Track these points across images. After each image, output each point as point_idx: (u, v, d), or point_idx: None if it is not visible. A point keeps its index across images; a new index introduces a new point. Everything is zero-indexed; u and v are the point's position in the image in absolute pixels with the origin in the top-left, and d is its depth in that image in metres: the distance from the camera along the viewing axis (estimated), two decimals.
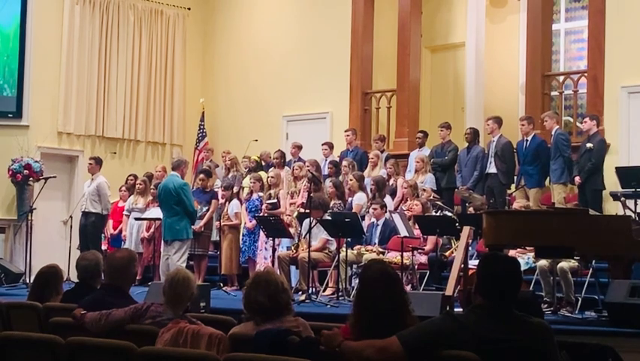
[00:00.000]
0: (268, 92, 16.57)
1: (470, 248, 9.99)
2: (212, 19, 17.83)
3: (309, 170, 12.59)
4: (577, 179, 11.65)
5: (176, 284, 5.21)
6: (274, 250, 11.50)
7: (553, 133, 11.96)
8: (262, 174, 13.58)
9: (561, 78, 13.92)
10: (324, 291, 11.10)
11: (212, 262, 13.06)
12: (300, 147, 14.55)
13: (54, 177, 14.01)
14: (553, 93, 13.85)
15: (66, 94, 15.59)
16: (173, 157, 16.95)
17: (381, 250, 11.06)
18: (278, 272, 10.81)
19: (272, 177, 13.00)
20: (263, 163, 14.53)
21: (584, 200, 11.42)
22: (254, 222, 12.50)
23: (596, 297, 9.19)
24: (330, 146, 14.30)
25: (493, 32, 15.71)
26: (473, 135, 12.89)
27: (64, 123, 15.60)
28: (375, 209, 11.50)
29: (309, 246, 10.72)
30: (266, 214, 12.28)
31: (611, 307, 8.12)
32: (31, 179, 14.54)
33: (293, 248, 11.55)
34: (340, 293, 10.49)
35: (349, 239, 11.05)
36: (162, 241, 11.92)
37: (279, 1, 17.00)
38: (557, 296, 9.16)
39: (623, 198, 10.31)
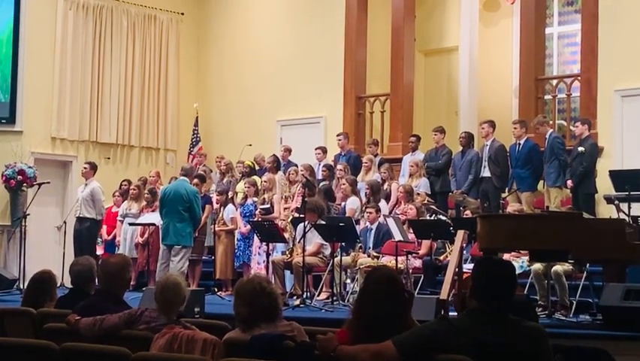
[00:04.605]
0: (262, 97, 16.57)
1: (465, 252, 10.00)
2: (205, 24, 17.83)
3: (303, 174, 12.60)
4: (569, 183, 11.68)
5: (167, 290, 5.21)
6: (268, 254, 11.50)
7: (548, 136, 11.98)
8: (256, 178, 13.59)
9: (554, 82, 13.94)
10: (318, 295, 11.09)
11: (206, 266, 13.04)
12: (289, 151, 14.58)
13: (48, 182, 13.97)
14: (546, 97, 13.88)
15: (60, 99, 15.57)
16: (167, 162, 17.01)
17: (375, 254, 11.06)
18: (272, 277, 10.87)
19: (265, 181, 13.01)
20: (257, 167, 14.53)
21: (577, 204, 11.46)
22: (248, 227, 12.50)
23: (591, 300, 9.21)
24: (324, 150, 14.30)
25: (486, 36, 15.73)
26: (468, 139, 12.90)
27: (57, 129, 15.58)
28: (370, 213, 11.51)
29: (304, 250, 10.71)
30: (259, 219, 12.28)
31: (605, 311, 8.13)
32: (24, 185, 14.51)
33: (287, 253, 11.54)
34: (335, 298, 10.48)
35: (343, 243, 11.07)
36: (161, 246, 11.87)
37: (273, 6, 17.01)
38: (552, 300, 9.16)
39: (617, 202, 10.32)
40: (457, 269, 8.67)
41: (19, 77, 15.21)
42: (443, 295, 8.26)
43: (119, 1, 16.55)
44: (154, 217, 12.91)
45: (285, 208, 12.79)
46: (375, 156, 13.83)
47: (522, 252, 9.72)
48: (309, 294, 10.89)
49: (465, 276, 8.60)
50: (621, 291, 7.96)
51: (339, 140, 14.32)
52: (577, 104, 13.57)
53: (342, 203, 12.37)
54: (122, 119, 16.51)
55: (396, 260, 10.31)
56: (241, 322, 4.73)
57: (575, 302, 9.32)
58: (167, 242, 11.62)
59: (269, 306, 4.72)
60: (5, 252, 14.65)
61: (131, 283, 10.83)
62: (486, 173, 12.42)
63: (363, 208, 11.96)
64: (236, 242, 12.90)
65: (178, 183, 11.94)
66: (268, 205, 12.67)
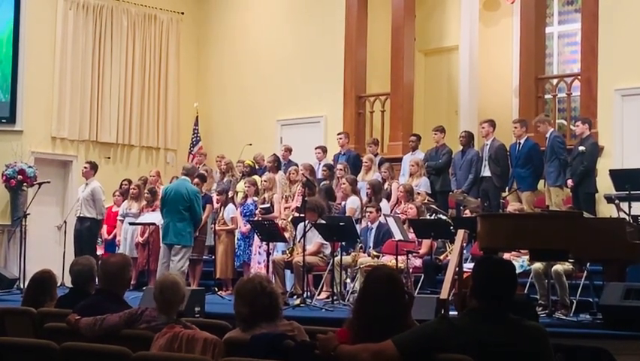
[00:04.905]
0: (262, 97, 16.57)
1: (465, 251, 10.00)
2: (205, 23, 17.83)
3: (303, 174, 12.60)
4: (569, 182, 11.68)
5: (165, 290, 5.21)
6: (268, 254, 11.50)
7: (548, 136, 11.98)
8: (257, 178, 13.59)
9: (555, 81, 13.94)
10: (318, 295, 11.09)
11: (206, 266, 13.05)
12: (290, 150, 14.59)
13: (48, 182, 13.97)
14: (546, 96, 13.87)
15: (60, 99, 15.57)
16: (168, 161, 17.01)
17: (375, 253, 11.06)
18: (273, 277, 10.87)
19: (265, 181, 13.01)
20: (257, 166, 14.53)
21: (577, 203, 11.46)
22: (248, 226, 12.50)
23: (591, 300, 9.21)
24: (324, 149, 14.31)
25: (486, 35, 15.73)
26: (468, 139, 12.90)
27: (58, 128, 15.58)
28: (370, 212, 11.51)
29: (304, 250, 10.71)
30: (260, 219, 12.28)
31: (605, 310, 8.13)
32: (25, 184, 14.51)
33: (288, 252, 11.54)
34: (335, 297, 10.48)
35: (344, 243, 11.07)
36: (161, 245, 11.88)
37: (273, 6, 17.01)
38: (552, 299, 9.16)
39: (617, 201, 10.32)
40: (457, 269, 8.66)
41: (20, 77, 15.21)
42: (443, 294, 8.25)
43: (119, 1, 16.55)
44: (154, 217, 12.92)
45: (286, 208, 12.79)
46: (376, 155, 13.83)
47: (522, 251, 9.73)
48: (309, 293, 10.89)
49: (465, 275, 8.60)
50: (621, 290, 7.95)
51: (340, 139, 14.33)
52: (577, 103, 13.57)
53: (342, 202, 12.37)
54: (123, 119, 16.52)
55: (397, 259, 10.31)
56: (242, 321, 4.73)
57: (575, 302, 9.33)
58: (167, 241, 11.64)
59: (269, 306, 4.72)
60: (5, 251, 14.66)
61: (132, 282, 10.85)
62: (486, 172, 12.42)
63: (364, 208, 11.95)
64: (236, 242, 12.90)
65: (179, 183, 11.96)
66: (268, 205, 12.67)
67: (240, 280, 4.99)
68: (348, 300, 10.47)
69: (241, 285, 4.85)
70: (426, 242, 11.02)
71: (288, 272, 11.56)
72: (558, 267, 9.24)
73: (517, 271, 9.16)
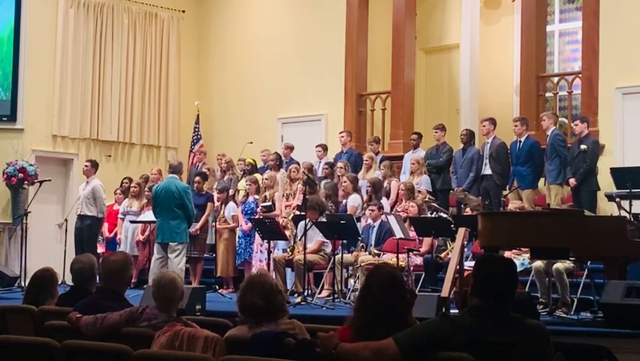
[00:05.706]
0: (263, 95, 16.57)
1: (466, 249, 10.00)
2: (206, 21, 17.83)
3: (304, 172, 12.61)
4: (571, 181, 11.68)
5: (163, 288, 5.22)
6: (269, 252, 11.50)
7: (549, 133, 12.00)
8: (257, 176, 13.60)
9: (555, 79, 13.92)
10: (319, 293, 11.09)
11: (207, 264, 13.05)
12: (291, 148, 14.59)
13: (49, 180, 13.96)
14: (547, 94, 13.86)
15: (61, 97, 15.57)
16: (169, 160, 16.99)
17: (376, 251, 11.07)
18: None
19: (266, 179, 13.01)
20: (260, 164, 14.54)
21: (579, 201, 11.46)
22: (250, 224, 12.51)
23: (592, 298, 9.20)
24: (324, 148, 14.31)
25: (487, 34, 15.72)
26: (469, 137, 12.91)
27: (58, 126, 15.58)
28: (372, 210, 11.51)
29: (305, 248, 10.72)
30: (261, 217, 12.29)
31: (606, 308, 8.13)
32: (25, 182, 14.52)
33: (289, 250, 11.55)
34: (336, 295, 10.49)
35: (344, 241, 11.07)
36: (155, 244, 11.87)
37: (274, 4, 17.01)
38: (553, 297, 9.17)
39: (618, 199, 10.32)
40: (458, 267, 8.67)
41: (20, 75, 15.21)
42: (444, 292, 8.27)
43: None
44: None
45: (287, 206, 12.79)
46: (377, 153, 13.82)
47: (523, 249, 9.73)
48: (310, 292, 10.88)
49: (466, 273, 8.61)
50: (622, 288, 7.96)
51: (342, 137, 14.33)
52: (578, 101, 13.56)
53: (344, 201, 12.36)
54: (123, 117, 16.52)
55: (397, 258, 10.31)
56: (252, 316, 4.71)
57: (576, 300, 9.32)
58: (162, 240, 11.56)
59: (282, 305, 4.77)
60: (6, 250, 14.66)
61: (132, 280, 10.88)
62: (487, 170, 12.42)
63: (365, 206, 11.96)
64: (237, 240, 12.91)
65: (168, 181, 11.87)
66: (269, 203, 12.67)
67: (253, 274, 5.03)
68: (349, 298, 10.47)
69: (257, 279, 4.85)
70: (427, 240, 11.01)
71: (288, 270, 11.57)
72: (559, 265, 9.24)
73: (518, 269, 9.12)
